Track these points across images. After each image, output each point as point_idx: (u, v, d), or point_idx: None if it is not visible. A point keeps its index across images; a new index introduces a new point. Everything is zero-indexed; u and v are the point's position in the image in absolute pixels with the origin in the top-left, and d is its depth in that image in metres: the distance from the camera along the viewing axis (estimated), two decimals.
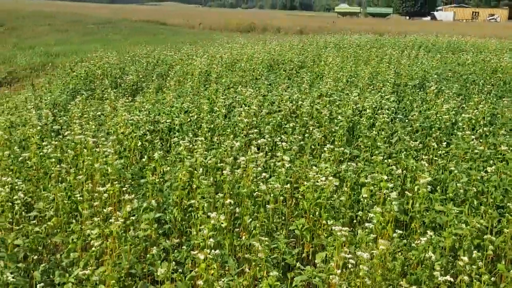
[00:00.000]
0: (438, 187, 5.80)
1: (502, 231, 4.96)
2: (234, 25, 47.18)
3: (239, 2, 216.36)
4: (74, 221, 5.22)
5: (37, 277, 4.14)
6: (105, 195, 5.29)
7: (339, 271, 4.02)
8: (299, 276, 4.32)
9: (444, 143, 7.21)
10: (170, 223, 5.46)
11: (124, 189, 5.71)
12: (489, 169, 5.71)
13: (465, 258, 4.12)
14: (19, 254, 4.44)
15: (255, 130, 7.97)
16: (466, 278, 3.90)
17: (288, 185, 5.71)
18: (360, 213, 5.33)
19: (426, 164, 5.95)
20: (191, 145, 6.98)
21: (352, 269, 4.30)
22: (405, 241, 4.65)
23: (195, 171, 5.95)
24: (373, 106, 9.40)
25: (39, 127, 7.68)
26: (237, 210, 5.37)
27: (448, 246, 4.79)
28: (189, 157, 6.38)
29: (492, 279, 4.09)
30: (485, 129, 7.99)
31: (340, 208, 5.49)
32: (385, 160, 6.48)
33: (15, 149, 6.70)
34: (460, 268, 4.32)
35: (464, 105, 9.97)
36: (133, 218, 4.97)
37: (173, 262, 4.25)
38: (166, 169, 6.51)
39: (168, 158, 7.06)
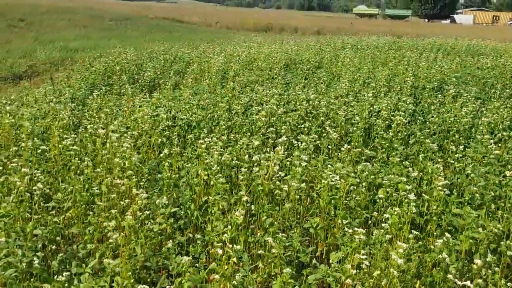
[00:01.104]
0: (455, 190, 5.75)
1: None
2: (251, 24, 47.20)
3: (256, 1, 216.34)
4: (91, 213, 5.30)
5: (54, 266, 4.21)
6: (123, 188, 5.35)
7: (354, 272, 4.01)
8: (313, 274, 4.33)
9: (462, 147, 7.14)
10: (186, 219, 5.51)
11: (141, 183, 5.78)
12: (507, 173, 5.64)
13: (480, 262, 4.09)
14: (38, 244, 4.52)
15: (272, 129, 7.99)
16: (481, 281, 3.86)
17: (304, 184, 5.72)
18: (375, 213, 5.31)
19: (441, 168, 5.89)
20: (208, 143, 7.03)
21: (365, 270, 4.31)
22: (420, 242, 4.62)
23: (211, 169, 5.99)
24: (390, 107, 9.35)
25: (64, 120, 7.81)
26: (253, 207, 5.39)
27: (464, 249, 4.76)
28: (205, 154, 6.42)
29: (509, 284, 4.05)
30: (504, 133, 7.90)
31: (356, 208, 5.49)
32: (402, 162, 6.46)
33: (35, 141, 6.81)
34: (475, 271, 4.29)
35: (483, 109, 9.86)
36: (148, 212, 5.03)
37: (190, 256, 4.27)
38: (182, 165, 6.57)
39: (184, 154, 7.12)
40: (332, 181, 5.38)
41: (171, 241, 4.76)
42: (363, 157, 7.09)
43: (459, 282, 3.86)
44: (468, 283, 3.77)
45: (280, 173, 6.18)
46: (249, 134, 8.10)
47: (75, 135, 7.32)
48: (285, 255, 4.78)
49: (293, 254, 4.81)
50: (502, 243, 4.59)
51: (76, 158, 6.46)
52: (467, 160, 6.76)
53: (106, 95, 11.43)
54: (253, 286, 4.25)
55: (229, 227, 4.59)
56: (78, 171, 6.30)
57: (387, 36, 32.28)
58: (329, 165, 5.93)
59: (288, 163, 6.90)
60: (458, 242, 4.77)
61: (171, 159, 6.57)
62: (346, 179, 5.42)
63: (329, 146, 7.58)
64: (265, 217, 5.11)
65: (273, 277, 4.52)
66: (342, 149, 6.76)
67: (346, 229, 4.70)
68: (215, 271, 4.05)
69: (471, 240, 4.73)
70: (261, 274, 4.76)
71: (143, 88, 12.70)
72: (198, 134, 7.60)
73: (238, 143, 7.16)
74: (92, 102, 10.00)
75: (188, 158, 6.86)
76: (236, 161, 6.47)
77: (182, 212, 5.51)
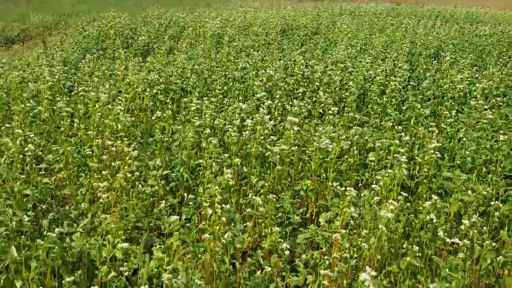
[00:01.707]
0: (446, 155, 5.78)
1: (508, 199, 4.95)
2: None
3: None
4: (83, 174, 5.31)
5: (45, 225, 4.24)
6: (113, 149, 5.34)
7: (343, 231, 4.05)
8: (303, 234, 4.38)
9: (454, 112, 7.14)
10: (177, 181, 5.53)
11: (132, 146, 5.77)
12: (501, 137, 5.66)
13: (468, 222, 4.14)
14: (28, 204, 4.53)
15: (264, 94, 7.95)
16: (467, 242, 3.92)
17: (296, 147, 5.72)
18: (366, 175, 5.34)
19: (436, 130, 5.90)
20: (201, 106, 6.99)
21: (355, 230, 4.36)
22: (409, 204, 4.67)
23: (204, 132, 5.98)
24: (385, 73, 9.28)
25: (50, 83, 7.71)
26: (245, 169, 5.41)
27: (453, 212, 4.81)
28: (197, 117, 6.40)
29: (494, 244, 4.11)
30: (498, 99, 7.88)
31: (346, 170, 5.51)
32: (395, 127, 6.46)
33: (27, 103, 6.76)
34: (463, 232, 4.35)
35: (478, 76, 9.81)
36: (138, 173, 5.03)
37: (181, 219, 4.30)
38: (175, 128, 6.56)
39: (178, 118, 7.09)
40: (323, 144, 5.39)
41: (163, 201, 4.79)
42: (356, 122, 7.08)
43: (448, 239, 3.91)
44: (456, 240, 3.83)
45: (272, 137, 6.18)
46: (243, 99, 8.06)
47: (67, 98, 7.27)
48: (276, 216, 4.83)
49: (283, 215, 4.85)
50: (492, 203, 4.63)
51: (68, 120, 6.44)
52: (460, 125, 6.76)
53: (99, 59, 11.30)
54: (244, 245, 4.32)
55: (220, 188, 4.61)
56: (70, 133, 6.28)
57: (386, 3, 31.74)
58: (320, 128, 5.93)
59: (281, 127, 6.90)
60: (447, 205, 4.82)
61: (164, 122, 6.55)
62: (337, 142, 5.42)
63: (322, 111, 7.56)
64: (256, 179, 5.13)
65: (264, 238, 4.57)
66: (333, 112, 6.74)
67: (335, 189, 4.73)
68: (206, 231, 4.09)
69: (460, 203, 4.77)
70: (252, 234, 4.82)
71: (137, 53, 12.55)
72: (191, 98, 7.55)
73: (231, 107, 7.13)
74: (85, 66, 9.89)
75: (182, 122, 6.84)
76: (229, 125, 6.46)
77: (174, 174, 5.52)
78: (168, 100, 7.63)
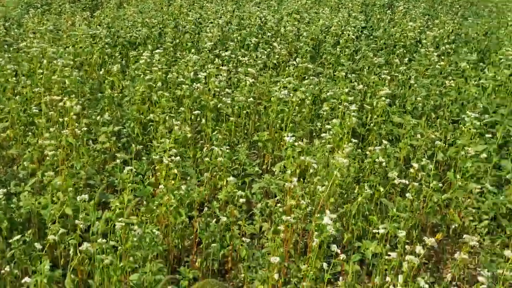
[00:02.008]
0: (397, 101, 5.88)
1: (455, 142, 5.12)
2: None
3: None
4: (30, 133, 5.11)
5: None
6: (61, 104, 5.14)
7: (295, 179, 4.09)
8: (258, 183, 4.42)
9: (406, 59, 7.25)
10: (129, 137, 5.42)
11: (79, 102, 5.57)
12: (447, 82, 5.80)
13: (417, 165, 4.27)
14: None
15: (216, 46, 7.81)
16: (416, 184, 4.07)
17: (252, 99, 5.68)
18: (318, 125, 5.39)
19: (388, 77, 5.98)
20: (152, 60, 6.78)
21: (309, 178, 4.43)
22: (359, 150, 4.76)
23: (155, 86, 5.83)
24: (340, 24, 9.25)
25: None
26: (202, 121, 5.35)
27: (403, 156, 4.96)
28: (148, 71, 6.22)
29: (440, 185, 4.28)
30: (447, 46, 8.03)
31: (301, 121, 5.55)
32: (348, 76, 6.51)
33: None
34: (412, 175, 4.51)
35: (430, 24, 9.94)
36: (86, 129, 4.87)
37: (134, 171, 4.23)
38: (125, 83, 6.37)
39: (127, 73, 6.88)
40: (281, 94, 5.38)
41: (115, 158, 4.69)
42: (311, 73, 7.08)
43: (396, 180, 4.03)
44: (404, 181, 3.96)
45: (227, 89, 6.11)
46: (196, 51, 7.87)
47: (10, 55, 6.89)
48: (231, 168, 4.84)
49: (239, 167, 4.86)
50: (437, 143, 4.77)
51: (13, 78, 6.12)
52: (411, 72, 6.88)
53: (44, 14, 10.71)
54: (200, 198, 4.31)
55: (173, 142, 4.55)
56: (15, 92, 5.99)
57: None
58: (277, 80, 5.90)
59: (235, 79, 6.82)
60: (397, 150, 4.95)
61: (113, 77, 6.33)
62: (293, 94, 5.41)
63: (276, 62, 7.51)
64: (212, 132, 5.09)
65: (220, 190, 4.57)
66: (289, 64, 6.71)
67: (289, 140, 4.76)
68: (160, 185, 4.05)
69: (409, 147, 4.91)
70: (208, 187, 4.82)
71: (85, 7, 11.97)
72: (142, 51, 7.31)
73: (183, 60, 6.96)
74: (28, 22, 9.37)
75: (132, 77, 6.63)
76: (182, 79, 6.32)
77: (125, 130, 5.40)
78: (117, 55, 7.36)
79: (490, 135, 4.90)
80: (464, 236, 3.41)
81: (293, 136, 4.52)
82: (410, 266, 2.83)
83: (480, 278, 2.96)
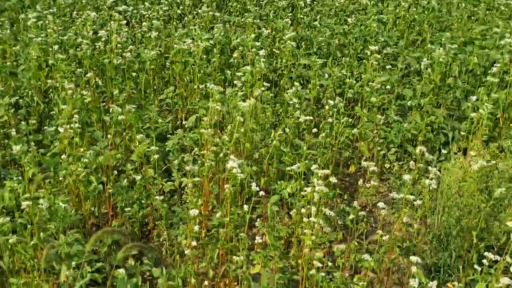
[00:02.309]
0: (304, 43, 5.92)
1: (360, 78, 5.28)
2: None
3: None
4: None
5: None
6: None
7: (210, 130, 4.03)
8: (171, 140, 4.32)
9: (309, 1, 7.27)
10: (29, 107, 5.04)
11: None
12: (349, 20, 5.90)
13: (329, 102, 4.36)
14: None
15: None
16: (329, 120, 4.16)
17: (157, 53, 5.46)
18: (228, 72, 5.32)
19: (289, 21, 5.97)
20: (44, 22, 6.26)
21: (226, 131, 4.38)
22: (272, 94, 4.78)
23: (51, 50, 5.42)
24: None
25: None
26: (100, 83, 5.07)
27: (313, 97, 5.04)
28: (42, 35, 5.74)
29: (350, 120, 4.42)
30: None
31: (212, 72, 5.44)
32: (255, 21, 6.43)
33: None
34: (324, 113, 4.62)
35: None
36: None
37: (33, 144, 3.95)
38: (18, 50, 5.86)
39: (19, 38, 6.32)
40: (186, 46, 5.20)
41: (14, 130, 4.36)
42: (217, 22, 6.91)
43: (307, 117, 4.11)
44: (310, 117, 4.04)
45: (130, 46, 5.81)
46: (94, 9, 7.38)
47: None
48: (143, 128, 4.67)
49: (152, 125, 4.71)
50: (346, 80, 4.90)
51: None
52: (316, 15, 6.92)
53: None
54: (112, 161, 4.14)
55: (74, 107, 4.28)
56: None
57: None
58: (179, 29, 5.69)
59: (140, 35, 6.52)
60: (308, 91, 5.03)
61: (2, 45, 5.79)
62: (197, 45, 5.25)
63: (181, 13, 7.25)
64: (117, 91, 4.85)
65: (131, 152, 4.41)
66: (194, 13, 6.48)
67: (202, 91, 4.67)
68: (64, 153, 3.82)
69: (318, 87, 5.00)
70: (121, 151, 4.63)
71: None
72: (32, 13, 6.71)
73: (80, 19, 6.50)
74: None
75: (25, 43, 6.10)
76: (81, 39, 5.91)
77: (22, 100, 5.01)
78: (4, 19, 6.72)
79: (391, 66, 5.10)
80: (363, 163, 3.55)
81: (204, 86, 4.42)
82: (323, 196, 2.91)
83: (380, 204, 3.12)
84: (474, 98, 4.41)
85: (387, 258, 2.94)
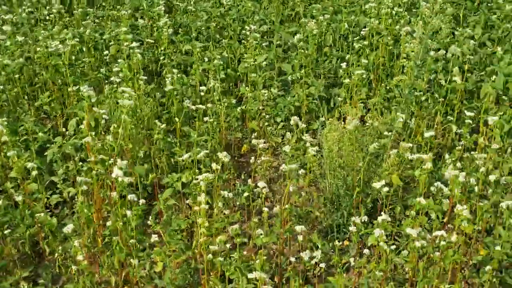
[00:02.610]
0: (181, 30, 5.82)
1: (243, 56, 5.30)
2: None
3: None
4: None
5: None
6: None
7: (92, 133, 3.82)
8: (51, 149, 4.06)
9: None
10: None
11: None
12: (224, 2, 5.89)
13: (212, 83, 4.34)
14: None
15: None
16: (210, 105, 4.14)
17: (22, 59, 5.06)
18: (103, 70, 5.09)
19: (163, 8, 5.84)
20: None
21: (111, 131, 4.19)
22: (153, 85, 4.65)
23: None
24: None
25: None
26: None
27: (198, 81, 4.98)
28: None
29: (234, 101, 4.44)
30: None
31: (87, 71, 5.17)
32: (133, 15, 6.21)
33: None
34: (209, 98, 4.60)
35: None
36: None
37: None
38: None
39: None
40: (52, 47, 4.87)
41: None
42: (90, 18, 6.56)
43: (192, 106, 4.07)
44: (193, 107, 4.00)
45: None
46: None
47: None
48: (20, 141, 4.33)
49: (29, 137, 4.37)
50: (229, 69, 4.92)
51: None
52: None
53: None
54: None
55: None
56: None
57: None
58: (44, 32, 5.32)
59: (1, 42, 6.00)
60: (192, 77, 4.96)
61: None
62: (67, 42, 4.95)
63: (48, 14, 6.77)
64: None
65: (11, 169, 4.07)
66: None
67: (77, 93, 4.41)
68: None
69: (200, 72, 4.95)
70: None
71: None
72: None
73: None
74: None
75: None
76: None
77: None
78: None
79: (268, 43, 5.18)
80: (253, 141, 3.61)
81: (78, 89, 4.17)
82: (208, 181, 2.91)
83: (260, 184, 3.19)
84: (344, 65, 4.62)
85: (282, 230, 3.01)
